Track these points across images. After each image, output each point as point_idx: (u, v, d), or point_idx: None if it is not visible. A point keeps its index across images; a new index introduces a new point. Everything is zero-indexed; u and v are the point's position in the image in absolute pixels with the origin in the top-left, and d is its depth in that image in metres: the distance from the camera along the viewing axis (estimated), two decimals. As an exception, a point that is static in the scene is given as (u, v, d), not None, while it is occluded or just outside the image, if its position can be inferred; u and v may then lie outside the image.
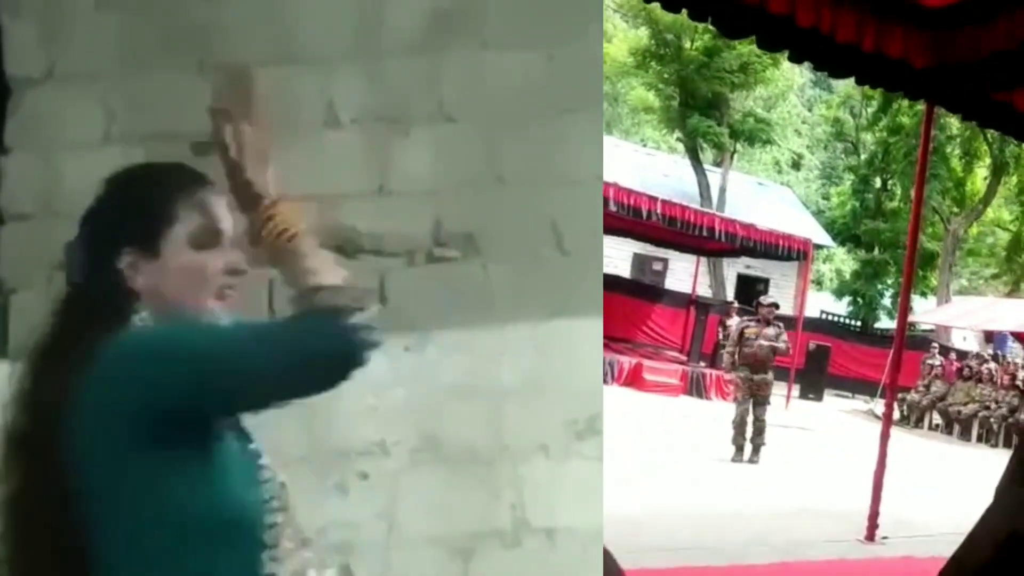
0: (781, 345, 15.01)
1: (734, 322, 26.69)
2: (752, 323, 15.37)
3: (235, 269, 2.36)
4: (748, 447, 14.60)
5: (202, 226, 2.35)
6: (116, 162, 4.32)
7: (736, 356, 15.15)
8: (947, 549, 7.72)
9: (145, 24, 4.43)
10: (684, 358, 26.83)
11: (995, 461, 19.26)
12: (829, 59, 8.27)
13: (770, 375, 14.99)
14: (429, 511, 4.24)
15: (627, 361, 23.74)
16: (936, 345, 29.73)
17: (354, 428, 4.19)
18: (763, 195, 42.15)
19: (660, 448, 14.63)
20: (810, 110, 54.40)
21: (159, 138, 4.37)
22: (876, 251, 40.75)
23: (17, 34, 4.47)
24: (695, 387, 23.82)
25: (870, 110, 42.02)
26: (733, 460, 14.50)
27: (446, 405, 4.26)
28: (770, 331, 14.86)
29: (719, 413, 18.88)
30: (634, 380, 22.88)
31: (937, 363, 27.72)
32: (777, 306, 15.71)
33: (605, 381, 21.97)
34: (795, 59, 8.65)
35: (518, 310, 4.32)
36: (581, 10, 4.42)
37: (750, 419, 14.68)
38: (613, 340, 26.38)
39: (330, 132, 4.44)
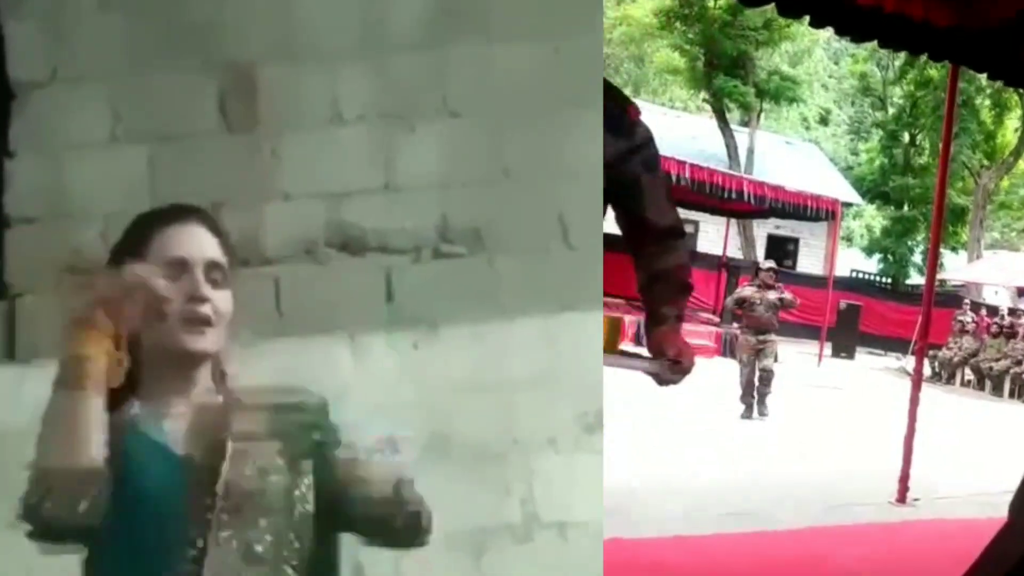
0: (787, 296, 15.36)
1: (765, 283, 26.89)
2: (753, 288, 15.63)
3: (194, 296, 2.39)
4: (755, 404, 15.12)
5: (165, 260, 2.40)
6: (122, 163, 4.40)
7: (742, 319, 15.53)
8: (978, 511, 7.67)
9: (149, 24, 4.44)
10: (717, 320, 26.81)
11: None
12: (850, 23, 8.21)
13: (773, 335, 15.47)
14: (440, 507, 4.23)
15: (661, 324, 23.69)
16: (968, 302, 29.57)
17: (362, 425, 4.20)
18: (791, 154, 41.97)
19: (694, 411, 14.70)
20: (837, 63, 53.89)
21: (165, 138, 4.40)
22: (906, 208, 40.50)
23: (21, 37, 4.49)
24: (728, 348, 23.81)
25: (898, 63, 41.56)
26: (742, 417, 15.00)
27: (455, 401, 4.25)
28: (772, 295, 15.11)
29: (753, 373, 18.93)
30: (668, 343, 22.86)
31: (968, 320, 27.60)
32: (776, 271, 15.97)
33: (640, 344, 21.93)
34: (816, 24, 8.48)
35: (526, 304, 4.32)
36: (585, 1, 4.40)
37: (756, 376, 15.20)
38: (648, 303, 26.34)
39: (335, 129, 4.45)
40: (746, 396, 15.03)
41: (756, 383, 15.00)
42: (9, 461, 4.17)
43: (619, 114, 3.66)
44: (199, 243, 2.44)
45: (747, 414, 14.90)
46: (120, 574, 2.33)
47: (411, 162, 4.43)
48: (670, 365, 3.54)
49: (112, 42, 4.44)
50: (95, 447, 2.21)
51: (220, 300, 2.44)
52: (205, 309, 2.40)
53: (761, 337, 15.08)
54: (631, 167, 3.60)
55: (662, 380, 3.61)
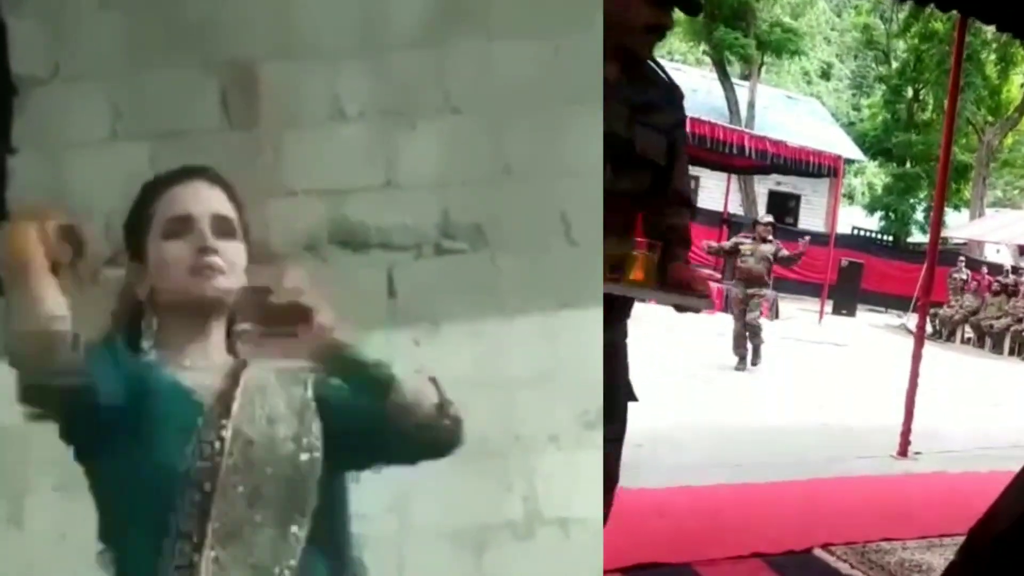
0: (784, 252, 15.42)
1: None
2: (747, 239, 15.72)
3: (203, 247, 2.50)
4: (750, 354, 15.04)
5: (170, 218, 2.52)
6: (123, 160, 4.42)
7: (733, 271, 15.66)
8: (978, 464, 7.83)
9: (150, 21, 4.44)
10: (719, 276, 26.93)
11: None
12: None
13: (764, 290, 15.40)
14: (441, 504, 4.27)
15: (663, 279, 23.76)
16: (963, 258, 29.61)
17: None
18: (793, 109, 41.82)
19: (694, 365, 14.83)
20: (839, 16, 53.60)
21: (166, 135, 4.41)
22: (908, 164, 40.44)
23: (22, 33, 4.49)
24: (729, 304, 23.96)
25: (901, 15, 41.37)
26: (736, 368, 15.24)
27: (456, 397, 4.25)
28: (766, 248, 15.20)
29: (753, 330, 19.11)
30: (670, 297, 22.93)
31: (964, 276, 27.68)
32: (774, 225, 16.03)
33: (643, 300, 22.15)
34: None
35: (528, 301, 4.34)
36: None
37: (746, 329, 15.44)
38: (649, 258, 26.53)
39: (336, 126, 4.46)
40: (738, 348, 15.17)
41: (746, 335, 15.12)
42: (9, 461, 4.24)
43: (673, 89, 4.18)
44: (203, 198, 2.56)
45: (740, 366, 15.03)
46: (128, 512, 2.40)
47: (412, 159, 4.45)
48: (696, 296, 4.02)
49: (113, 39, 4.44)
50: (51, 305, 2.23)
51: (231, 250, 2.54)
52: (214, 259, 2.49)
53: (751, 290, 15.17)
54: (676, 138, 4.12)
55: (684, 309, 4.22)
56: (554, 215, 4.42)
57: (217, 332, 2.57)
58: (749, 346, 15.07)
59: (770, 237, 15.47)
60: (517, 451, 4.31)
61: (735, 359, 14.98)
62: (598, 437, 4.29)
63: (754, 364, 14.93)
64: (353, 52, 4.46)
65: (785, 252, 15.63)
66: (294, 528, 2.40)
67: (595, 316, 4.22)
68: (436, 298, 4.38)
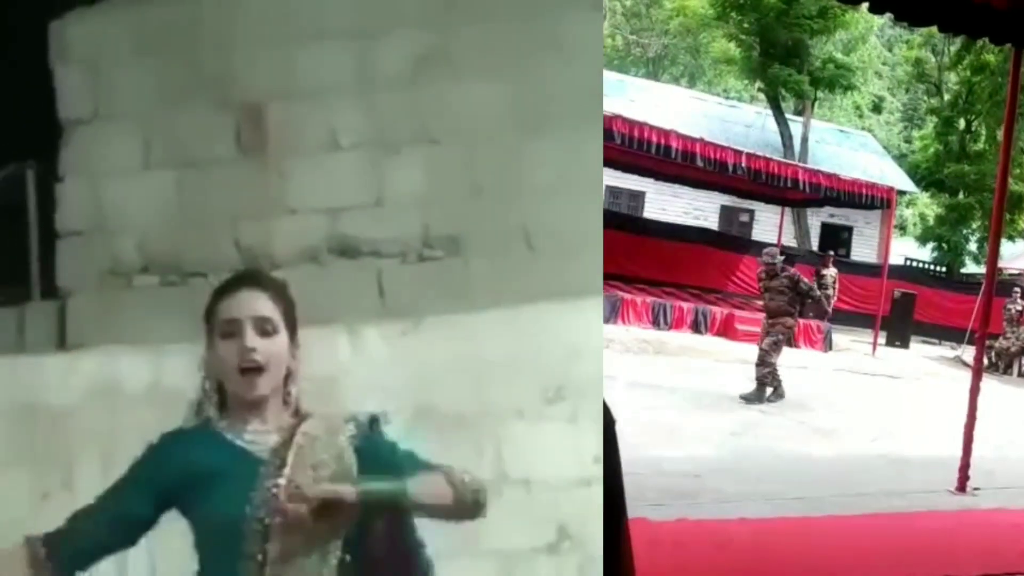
0: (805, 284, 15.22)
1: (831, 272, 27.10)
2: (762, 275, 15.46)
3: (244, 348, 2.86)
4: (775, 386, 14.80)
5: (224, 320, 2.89)
6: (153, 185, 5.26)
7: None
8: None
9: (175, 68, 5.31)
10: (772, 309, 26.65)
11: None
12: (910, 7, 8.28)
13: (786, 319, 14.99)
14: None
15: (719, 312, 23.83)
16: (1018, 289, 29.05)
17: (359, 401, 4.86)
18: (845, 142, 41.62)
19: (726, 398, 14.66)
20: (890, 50, 53.19)
21: (189, 164, 5.29)
22: (961, 195, 40.02)
23: (67, 80, 5.40)
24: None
25: (953, 48, 41.04)
26: (767, 400, 14.62)
27: (437, 379, 4.98)
28: (774, 283, 15.01)
29: (808, 362, 19.13)
30: (726, 330, 22.93)
31: (1020, 307, 27.02)
32: (774, 256, 15.54)
33: (699, 331, 22.55)
34: (876, 10, 8.43)
35: (495, 298, 5.07)
36: (543, 45, 5.13)
37: (774, 359, 14.80)
38: (705, 291, 27.10)
39: (333, 155, 5.31)
40: (770, 379, 14.76)
41: (755, 362, 14.90)
42: (61, 437, 5.01)
43: None
44: (247, 304, 2.90)
45: (771, 397, 14.65)
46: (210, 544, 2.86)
47: (398, 182, 5.28)
48: None
49: (144, 84, 5.33)
50: None
51: (270, 347, 2.86)
52: (255, 357, 2.86)
53: (771, 320, 14.99)
54: None
55: None
56: (517, 227, 5.19)
57: (272, 402, 2.90)
58: (779, 376, 14.72)
59: (776, 270, 14.96)
60: (487, 422, 4.98)
61: (769, 390, 14.48)
62: (556, 411, 4.94)
63: (751, 399, 14.63)
64: (346, 93, 5.31)
65: (805, 283, 15.09)
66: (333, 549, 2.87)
67: (556, 308, 4.88)
68: (419, 296, 5.17)
